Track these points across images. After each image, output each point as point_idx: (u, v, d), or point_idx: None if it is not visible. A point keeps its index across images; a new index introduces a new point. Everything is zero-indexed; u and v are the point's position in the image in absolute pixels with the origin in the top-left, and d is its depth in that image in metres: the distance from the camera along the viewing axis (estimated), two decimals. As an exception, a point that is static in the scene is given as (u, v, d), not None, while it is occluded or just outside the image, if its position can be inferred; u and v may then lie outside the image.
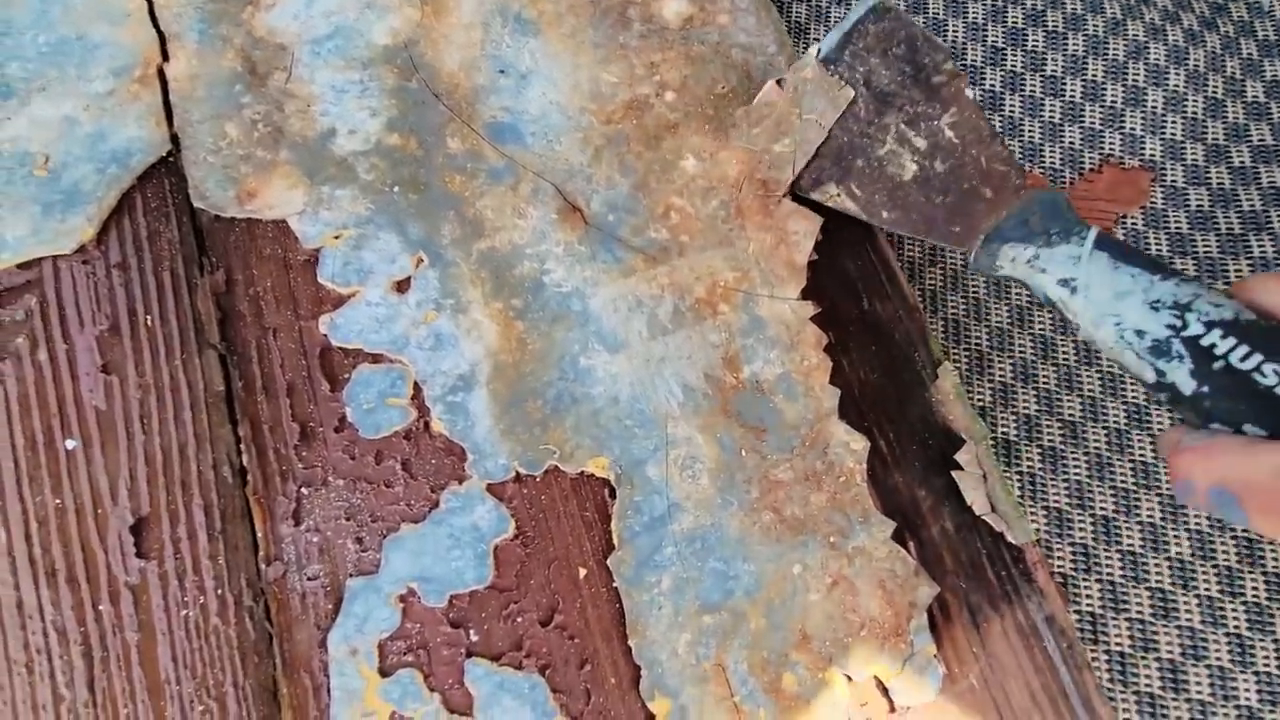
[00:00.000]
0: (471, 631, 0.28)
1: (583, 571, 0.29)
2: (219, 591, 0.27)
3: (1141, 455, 0.35)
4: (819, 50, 0.34)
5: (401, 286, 0.32)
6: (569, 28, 0.38)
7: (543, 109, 0.37)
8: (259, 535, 0.28)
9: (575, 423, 0.32)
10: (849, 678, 0.29)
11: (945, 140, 0.33)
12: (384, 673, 0.27)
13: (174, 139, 0.33)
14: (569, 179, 0.35)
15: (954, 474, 0.33)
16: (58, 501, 0.28)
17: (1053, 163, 0.40)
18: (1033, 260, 0.30)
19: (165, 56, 0.34)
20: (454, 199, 0.34)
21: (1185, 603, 0.33)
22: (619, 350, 0.33)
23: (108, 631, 0.27)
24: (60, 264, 0.31)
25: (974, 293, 0.38)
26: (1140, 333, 0.27)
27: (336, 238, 0.33)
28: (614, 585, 0.29)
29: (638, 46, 0.38)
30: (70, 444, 0.29)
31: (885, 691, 0.29)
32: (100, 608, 0.27)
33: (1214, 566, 0.33)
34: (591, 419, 0.32)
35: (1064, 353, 0.37)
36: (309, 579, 0.28)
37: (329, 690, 0.27)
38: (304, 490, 0.29)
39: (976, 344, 0.37)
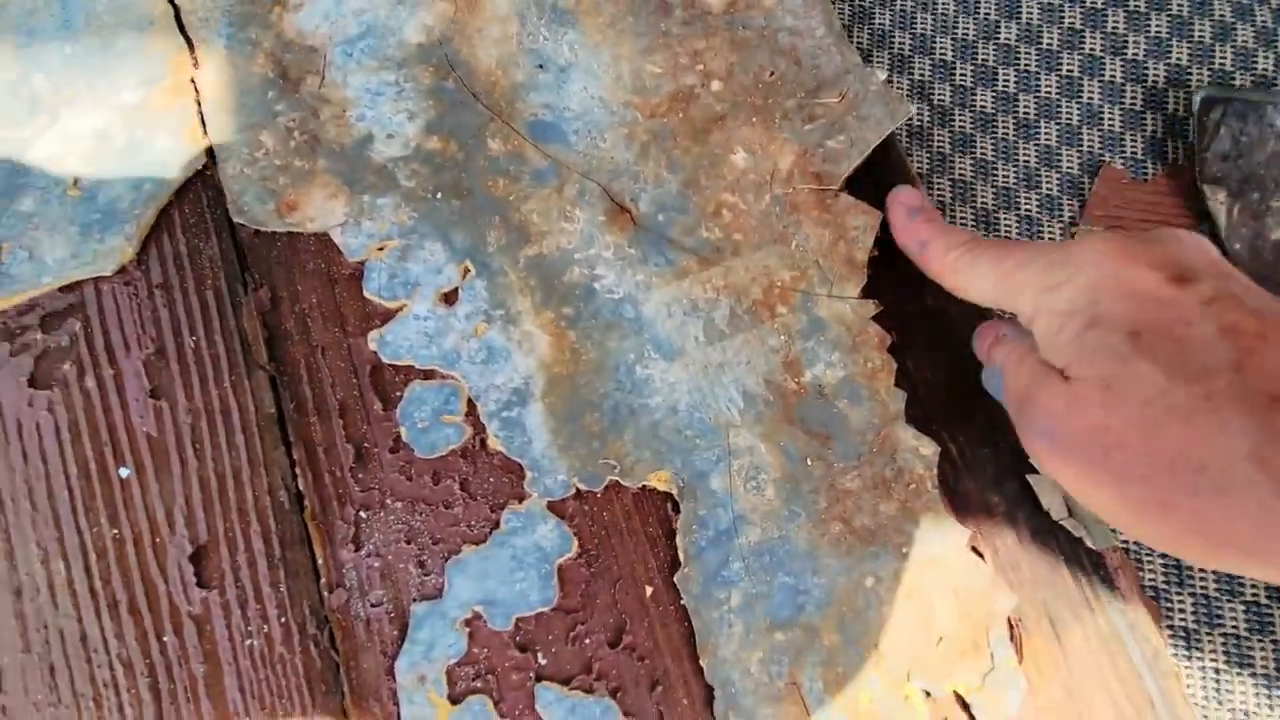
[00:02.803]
0: (540, 655, 0.28)
1: (649, 589, 0.30)
2: (282, 619, 0.28)
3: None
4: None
5: (449, 298, 0.33)
6: (608, 16, 0.38)
7: (584, 104, 0.36)
8: (319, 561, 0.29)
9: (634, 435, 0.32)
10: (927, 693, 0.30)
11: None
12: (454, 700, 0.28)
13: (208, 151, 0.33)
14: (615, 178, 0.35)
15: (1029, 478, 0.33)
16: (115, 531, 0.28)
17: (1134, 153, 0.40)
18: None
19: (194, 64, 0.35)
20: (498, 204, 0.34)
21: (1280, 616, 0.33)
22: (675, 358, 0.33)
23: (173, 663, 0.27)
24: (102, 286, 0.31)
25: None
26: None
27: (380, 249, 0.33)
28: (681, 603, 0.30)
29: (680, 34, 0.38)
30: (124, 472, 0.29)
31: (966, 707, 0.29)
32: (165, 639, 0.28)
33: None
34: (650, 431, 0.32)
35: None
36: (372, 605, 0.28)
37: (399, 719, 0.27)
38: (362, 514, 0.29)
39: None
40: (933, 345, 0.34)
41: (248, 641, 0.28)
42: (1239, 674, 0.33)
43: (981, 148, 0.40)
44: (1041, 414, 0.25)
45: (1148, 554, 0.34)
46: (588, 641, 0.29)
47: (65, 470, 0.29)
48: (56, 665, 0.27)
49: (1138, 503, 0.23)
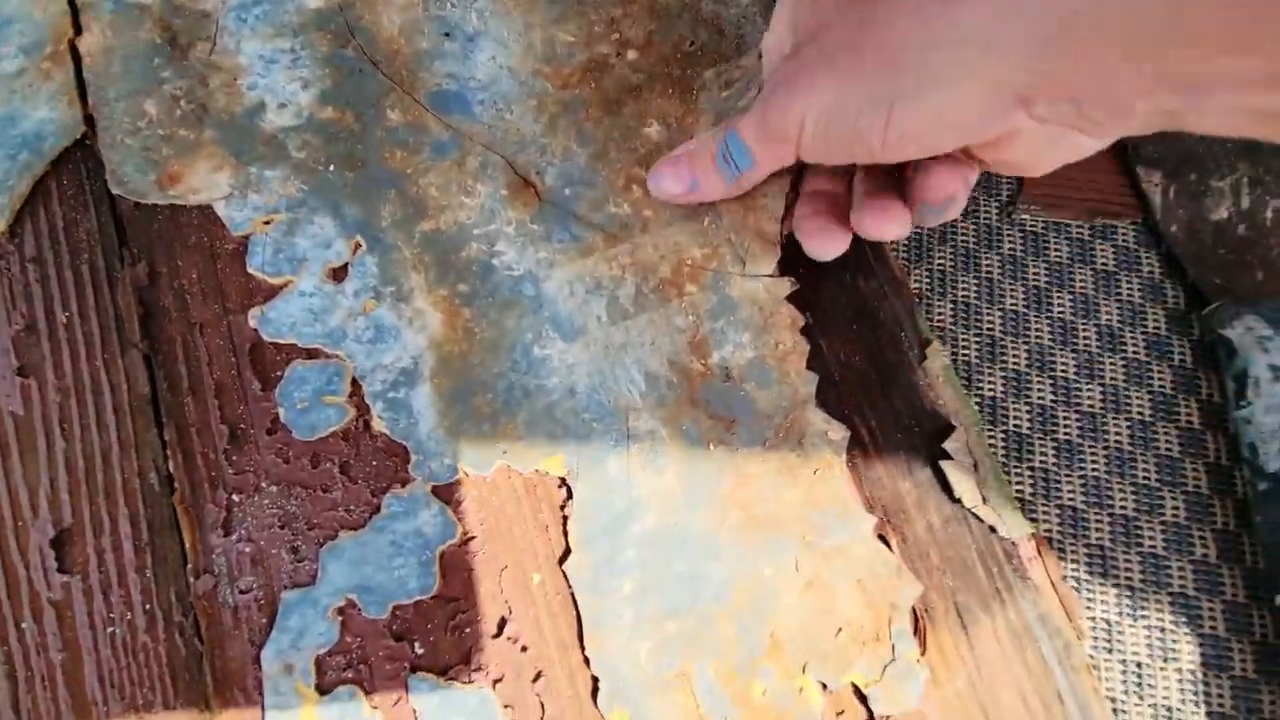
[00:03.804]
0: (416, 644, 0.28)
1: (536, 578, 0.29)
2: (147, 606, 0.27)
3: (1167, 450, 0.34)
4: None
5: (338, 274, 0.32)
6: (521, -18, 0.37)
7: (492, 74, 0.35)
8: (188, 546, 0.28)
9: (528, 417, 0.31)
10: (824, 686, 0.29)
11: (1262, 218, 0.36)
12: (322, 690, 0.27)
13: (89, 120, 0.32)
14: (521, 151, 0.34)
15: (942, 464, 0.32)
16: (-26, 515, 0.28)
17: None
18: (1264, 340, 0.33)
19: (78, 29, 0.33)
20: (395, 177, 0.33)
21: (1210, 609, 0.32)
22: (576, 338, 0.32)
23: (31, 650, 0.27)
24: (-29, 260, 0.30)
25: (987, 273, 0.36)
26: None
27: (266, 223, 0.32)
28: (571, 592, 0.29)
29: (596, 1, 0.37)
30: (-14, 453, 0.28)
31: (864, 700, 0.29)
32: (23, 625, 0.27)
33: (1242, 568, 0.32)
34: (546, 413, 0.31)
35: (1085, 338, 0.36)
36: (241, 592, 0.28)
37: (263, 710, 0.26)
38: (235, 497, 0.28)
39: (989, 329, 0.36)
40: (849, 326, 0.33)
41: (109, 629, 0.27)
42: (1162, 668, 0.32)
43: (912, 122, 0.39)
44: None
45: (1071, 544, 0.33)
46: (468, 631, 0.28)
47: (-75, 451, 0.28)
48: (-89, 653, 0.26)
49: None
